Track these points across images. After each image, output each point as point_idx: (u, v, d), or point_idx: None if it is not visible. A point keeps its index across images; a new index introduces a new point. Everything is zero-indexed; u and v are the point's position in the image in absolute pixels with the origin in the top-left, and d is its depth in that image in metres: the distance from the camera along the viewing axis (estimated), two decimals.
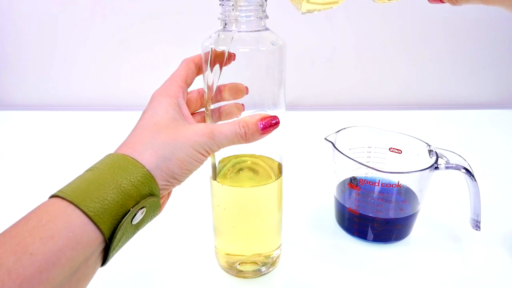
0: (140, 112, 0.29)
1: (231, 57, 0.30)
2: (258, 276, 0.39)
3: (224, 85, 0.32)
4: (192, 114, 0.34)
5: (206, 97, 0.33)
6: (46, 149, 0.68)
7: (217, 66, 0.30)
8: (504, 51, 0.84)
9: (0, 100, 0.88)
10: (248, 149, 0.33)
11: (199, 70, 0.33)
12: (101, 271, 0.25)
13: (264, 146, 0.33)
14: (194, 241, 0.44)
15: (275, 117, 0.28)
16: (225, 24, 0.31)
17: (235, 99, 0.33)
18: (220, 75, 0.30)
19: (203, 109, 0.35)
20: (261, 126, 0.28)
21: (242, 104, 0.33)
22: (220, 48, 0.30)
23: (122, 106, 0.86)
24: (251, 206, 0.35)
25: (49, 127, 0.78)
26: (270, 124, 0.28)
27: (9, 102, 0.88)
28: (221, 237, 0.38)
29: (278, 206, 0.36)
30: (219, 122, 0.32)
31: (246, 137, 0.28)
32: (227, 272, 0.39)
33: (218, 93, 0.32)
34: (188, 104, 0.32)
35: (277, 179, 0.35)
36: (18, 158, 0.65)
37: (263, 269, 0.38)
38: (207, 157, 0.28)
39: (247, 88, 0.32)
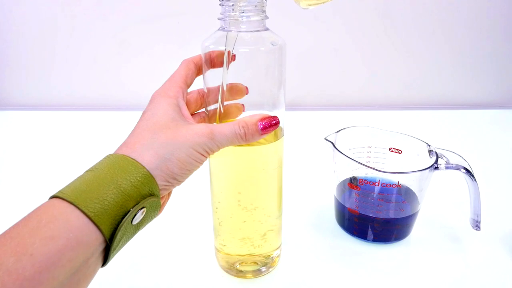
0: (141, 112, 0.29)
1: (231, 57, 0.30)
2: (258, 276, 0.39)
3: None
4: (192, 114, 0.34)
5: (206, 97, 0.33)
6: (46, 149, 0.68)
7: (224, 67, 0.30)
8: (504, 51, 0.84)
9: (0, 100, 0.88)
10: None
11: (199, 71, 0.33)
12: (101, 271, 0.25)
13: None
14: (194, 241, 0.44)
15: (275, 118, 0.28)
16: (225, 24, 0.31)
17: (235, 99, 0.33)
18: (227, 75, 0.30)
19: (203, 109, 0.35)
20: (261, 126, 0.28)
21: (242, 104, 0.33)
22: (221, 49, 0.30)
23: (122, 106, 0.86)
24: (249, 168, 0.34)
25: (49, 127, 0.78)
26: (270, 124, 0.28)
27: (9, 102, 0.88)
28: (221, 235, 0.38)
29: (278, 175, 0.36)
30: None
31: (246, 137, 0.28)
32: (227, 272, 0.39)
33: (218, 93, 0.32)
34: (187, 104, 0.32)
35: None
36: (18, 158, 0.65)
37: (263, 269, 0.38)
38: (206, 158, 0.28)
39: (247, 88, 0.32)
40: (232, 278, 0.38)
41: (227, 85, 0.32)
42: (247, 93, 0.32)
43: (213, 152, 0.28)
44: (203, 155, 0.27)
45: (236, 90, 0.32)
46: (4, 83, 0.87)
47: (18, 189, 0.55)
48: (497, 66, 0.85)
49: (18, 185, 0.57)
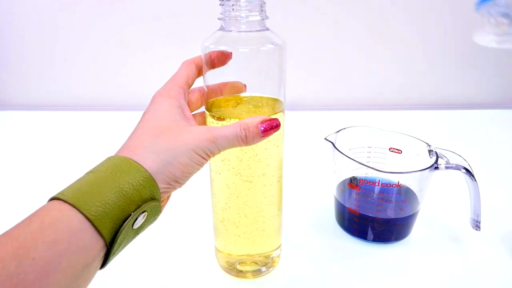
0: (140, 112, 0.29)
1: (228, 56, 0.30)
2: (258, 276, 0.39)
3: (224, 84, 0.32)
4: (193, 114, 0.34)
5: (207, 97, 0.33)
6: (46, 149, 0.68)
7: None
8: (504, 51, 0.84)
9: (0, 100, 0.88)
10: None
11: (199, 72, 0.33)
12: (101, 271, 0.25)
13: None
14: (194, 241, 0.44)
15: (276, 120, 0.28)
16: (225, 24, 0.31)
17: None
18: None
19: (203, 108, 0.35)
20: (262, 128, 0.28)
21: (244, 85, 0.33)
22: (221, 49, 0.30)
23: (122, 106, 0.86)
24: (248, 163, 0.33)
25: (49, 127, 0.78)
26: (270, 126, 0.28)
27: (9, 102, 0.88)
28: (221, 234, 0.38)
29: (278, 173, 0.35)
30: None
31: (246, 139, 0.28)
32: (227, 272, 0.39)
33: (218, 92, 0.32)
34: (188, 104, 0.32)
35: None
36: (18, 158, 0.65)
37: (263, 269, 0.38)
38: (207, 160, 0.28)
39: (245, 86, 0.32)
40: (232, 278, 0.38)
41: (226, 83, 0.32)
42: (245, 91, 0.32)
43: (214, 154, 0.28)
44: (204, 158, 0.27)
45: (235, 90, 0.33)
46: (4, 83, 0.87)
47: (18, 189, 0.55)
48: (497, 66, 0.85)
49: (18, 185, 0.57)
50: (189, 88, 0.32)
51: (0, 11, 0.79)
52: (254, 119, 0.28)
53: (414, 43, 0.82)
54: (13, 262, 0.19)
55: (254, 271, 0.38)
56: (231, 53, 0.30)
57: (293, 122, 0.55)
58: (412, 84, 0.87)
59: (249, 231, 0.36)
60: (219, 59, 0.31)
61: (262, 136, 0.28)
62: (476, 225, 0.41)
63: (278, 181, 0.36)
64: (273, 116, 0.32)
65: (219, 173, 0.34)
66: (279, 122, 0.28)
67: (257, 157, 0.33)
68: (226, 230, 0.37)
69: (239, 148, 0.32)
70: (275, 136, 0.33)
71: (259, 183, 0.34)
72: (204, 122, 0.34)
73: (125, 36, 0.81)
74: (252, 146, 0.32)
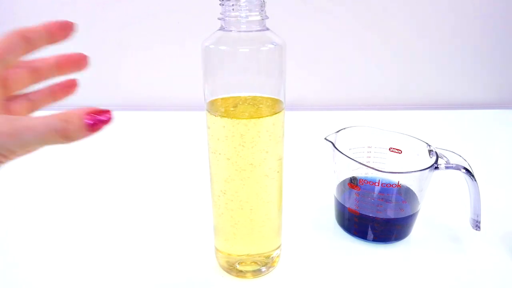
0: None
1: (70, 27, 0.25)
2: (258, 276, 0.39)
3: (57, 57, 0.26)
4: (16, 96, 0.27)
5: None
6: (46, 149, 0.68)
7: None
8: (504, 51, 0.84)
9: None
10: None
11: (29, 46, 0.24)
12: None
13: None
14: (194, 241, 0.44)
15: (106, 112, 0.22)
16: (225, 24, 0.31)
17: (71, 71, 0.28)
18: None
19: (33, 88, 0.28)
20: (88, 122, 0.21)
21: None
22: (221, 49, 0.30)
23: (122, 106, 0.86)
24: (249, 143, 0.32)
25: None
26: (100, 120, 0.22)
27: None
28: (221, 232, 0.38)
29: (278, 172, 0.35)
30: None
31: (66, 134, 0.21)
32: (227, 272, 0.39)
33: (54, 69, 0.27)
34: (9, 83, 0.25)
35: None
36: (17, 158, 0.65)
37: (263, 269, 0.38)
38: (5, 162, 0.22)
39: (86, 57, 0.27)
40: (232, 278, 0.38)
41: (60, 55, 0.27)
42: (86, 65, 0.27)
43: (16, 155, 0.21)
44: None
45: (73, 60, 0.27)
46: None
47: (18, 189, 0.55)
48: (497, 66, 0.85)
49: (18, 186, 0.56)
50: (7, 65, 0.24)
51: (0, 11, 0.79)
52: (78, 110, 0.22)
53: (414, 43, 0.83)
54: None
55: (254, 271, 0.38)
56: (72, 23, 0.25)
57: (293, 122, 0.55)
58: (412, 84, 0.87)
59: (248, 230, 0.36)
60: (64, 29, 0.25)
61: (88, 131, 0.21)
62: (476, 225, 0.41)
63: (278, 174, 0.35)
64: (273, 116, 0.32)
65: (219, 153, 0.33)
66: (111, 115, 0.22)
67: (259, 149, 0.33)
68: (220, 215, 0.36)
69: (239, 136, 0.31)
70: (276, 134, 0.33)
71: (259, 171, 0.34)
72: (31, 109, 0.27)
73: (125, 36, 0.81)
74: (253, 138, 0.31)
